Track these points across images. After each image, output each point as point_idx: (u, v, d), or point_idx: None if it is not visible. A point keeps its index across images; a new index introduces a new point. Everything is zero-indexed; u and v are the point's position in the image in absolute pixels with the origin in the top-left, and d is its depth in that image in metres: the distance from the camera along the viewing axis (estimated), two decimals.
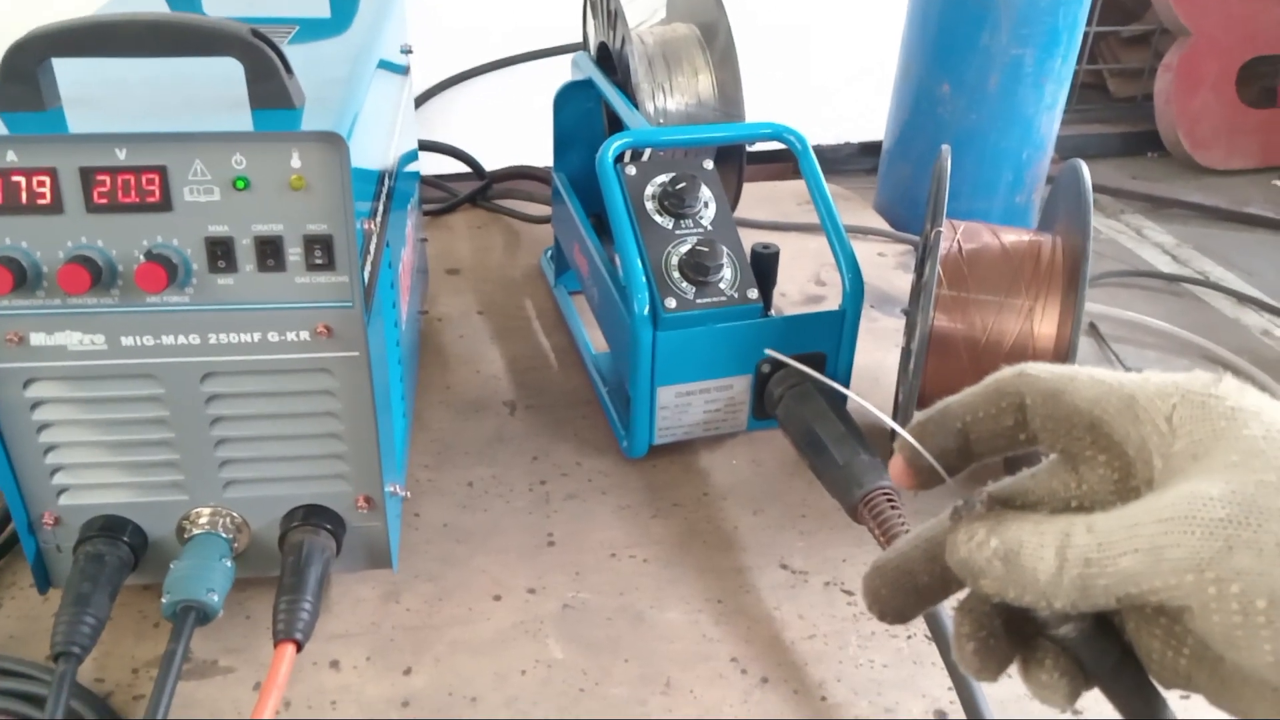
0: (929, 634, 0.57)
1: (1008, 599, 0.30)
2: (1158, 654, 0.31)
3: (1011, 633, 0.33)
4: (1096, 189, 1.32)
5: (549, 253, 0.98)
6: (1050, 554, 0.29)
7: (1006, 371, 0.34)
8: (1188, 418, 0.30)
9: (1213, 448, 0.29)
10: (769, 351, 0.66)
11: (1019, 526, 0.30)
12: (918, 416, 0.35)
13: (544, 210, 1.08)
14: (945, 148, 0.67)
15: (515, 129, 1.17)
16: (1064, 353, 0.62)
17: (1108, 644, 0.32)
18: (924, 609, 0.36)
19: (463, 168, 1.17)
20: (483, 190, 1.13)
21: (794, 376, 0.67)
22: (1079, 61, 1.18)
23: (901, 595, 0.35)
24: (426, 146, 1.14)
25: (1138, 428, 0.30)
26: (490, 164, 1.17)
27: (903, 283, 0.97)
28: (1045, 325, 0.62)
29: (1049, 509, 0.33)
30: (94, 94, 0.49)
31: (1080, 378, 0.32)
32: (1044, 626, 0.32)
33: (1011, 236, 0.66)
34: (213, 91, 0.49)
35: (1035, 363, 0.33)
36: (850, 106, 1.33)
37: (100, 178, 0.45)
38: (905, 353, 0.69)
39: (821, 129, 1.34)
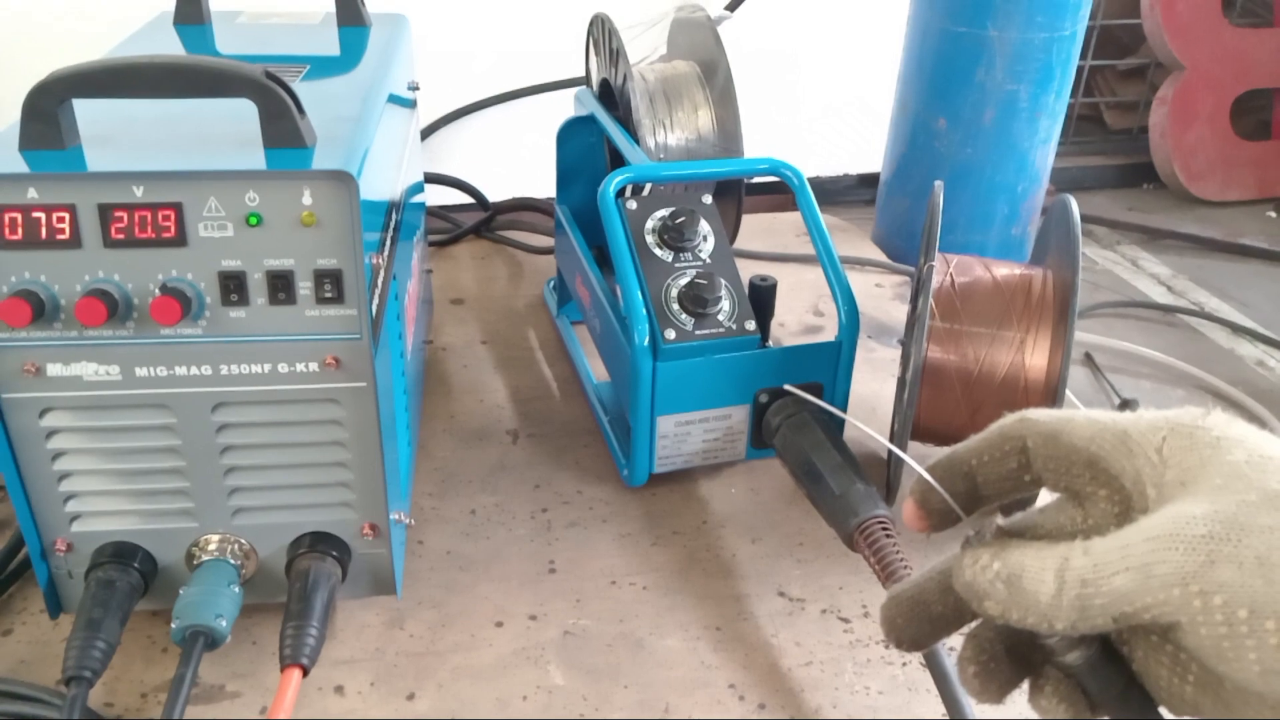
0: (923, 661, 0.58)
1: (1011, 621, 0.31)
2: (1165, 681, 0.32)
3: (1021, 660, 0.35)
4: (1093, 220, 1.34)
5: (551, 284, 0.99)
6: (1050, 576, 0.30)
7: (1009, 418, 0.36)
8: (1177, 448, 0.31)
9: (1199, 474, 0.30)
10: (788, 387, 0.68)
11: (1021, 552, 0.32)
12: (929, 463, 0.37)
13: (547, 241, 1.09)
14: (938, 184, 0.68)
15: (519, 161, 1.19)
16: (1055, 384, 0.63)
17: (1113, 672, 0.33)
18: (939, 638, 0.37)
19: (467, 199, 1.19)
20: (487, 221, 1.15)
21: (791, 406, 0.68)
22: (1075, 95, 1.20)
23: (916, 624, 0.37)
24: (432, 179, 1.16)
25: (1132, 461, 0.32)
26: (494, 196, 1.19)
27: (899, 313, 0.99)
28: (1036, 357, 0.63)
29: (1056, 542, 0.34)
30: (112, 132, 0.51)
31: (1077, 419, 0.34)
32: (1051, 654, 0.33)
33: (1003, 270, 0.67)
34: (227, 130, 0.51)
35: (1035, 409, 0.35)
36: (848, 139, 1.35)
37: (118, 214, 0.47)
38: (901, 383, 0.71)
39: (819, 160, 1.35)
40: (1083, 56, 1.07)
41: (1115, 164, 1.50)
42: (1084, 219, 0.93)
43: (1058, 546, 0.31)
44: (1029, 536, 0.35)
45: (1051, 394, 0.63)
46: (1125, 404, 0.89)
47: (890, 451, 0.72)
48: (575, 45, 0.94)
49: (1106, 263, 1.25)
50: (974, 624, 0.36)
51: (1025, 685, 0.35)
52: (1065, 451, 0.34)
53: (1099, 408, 0.90)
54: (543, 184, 1.13)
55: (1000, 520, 0.36)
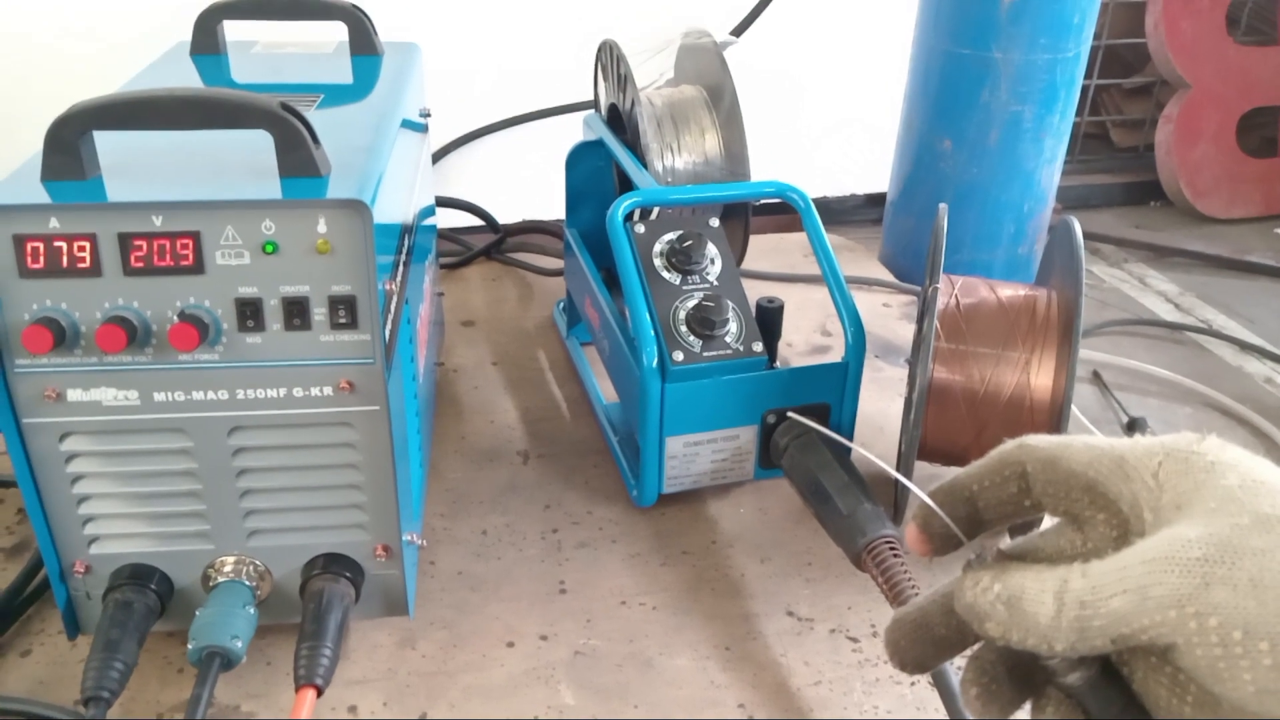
0: (931, 681, 0.58)
1: (1011, 643, 0.32)
2: (1164, 701, 0.32)
3: (1022, 681, 0.35)
4: (1099, 238, 1.34)
5: (561, 305, 1.00)
6: (1049, 598, 0.31)
7: (1009, 444, 0.36)
8: (1172, 473, 0.32)
9: (1194, 497, 0.31)
10: (791, 414, 0.69)
11: (1021, 574, 0.32)
12: (931, 488, 0.37)
13: (556, 263, 1.11)
14: (943, 207, 0.69)
15: (528, 184, 1.21)
16: (1060, 403, 0.63)
17: (1113, 692, 0.33)
18: (942, 660, 0.38)
19: (478, 222, 1.20)
20: (497, 244, 1.16)
21: (799, 427, 0.69)
22: (1080, 113, 1.20)
23: (920, 647, 0.37)
24: (443, 202, 1.17)
25: (1129, 485, 0.33)
26: (504, 218, 1.20)
27: (906, 333, 0.99)
28: (1041, 377, 0.64)
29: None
30: (131, 163, 0.52)
31: (1075, 444, 0.35)
32: (1053, 675, 0.34)
33: (1008, 291, 0.68)
34: (243, 160, 0.52)
35: (1034, 435, 0.36)
36: (854, 159, 1.36)
37: (137, 243, 0.48)
38: (907, 403, 0.71)
39: (826, 181, 1.36)
40: (1088, 75, 1.08)
41: (1122, 182, 1.51)
42: (1090, 237, 0.93)
43: (1057, 569, 0.32)
44: (1029, 559, 0.35)
45: (1057, 414, 0.64)
46: (1133, 422, 0.90)
47: (897, 471, 0.73)
48: (582, 68, 0.95)
49: (1114, 280, 1.25)
50: (976, 646, 0.36)
51: (1027, 706, 0.36)
52: (1064, 476, 0.34)
53: (1106, 426, 0.91)
54: (552, 206, 1.14)
55: (1001, 544, 0.36)
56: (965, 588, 0.34)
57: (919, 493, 0.37)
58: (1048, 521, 0.37)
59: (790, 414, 0.69)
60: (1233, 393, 0.97)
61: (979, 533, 0.37)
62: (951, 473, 0.38)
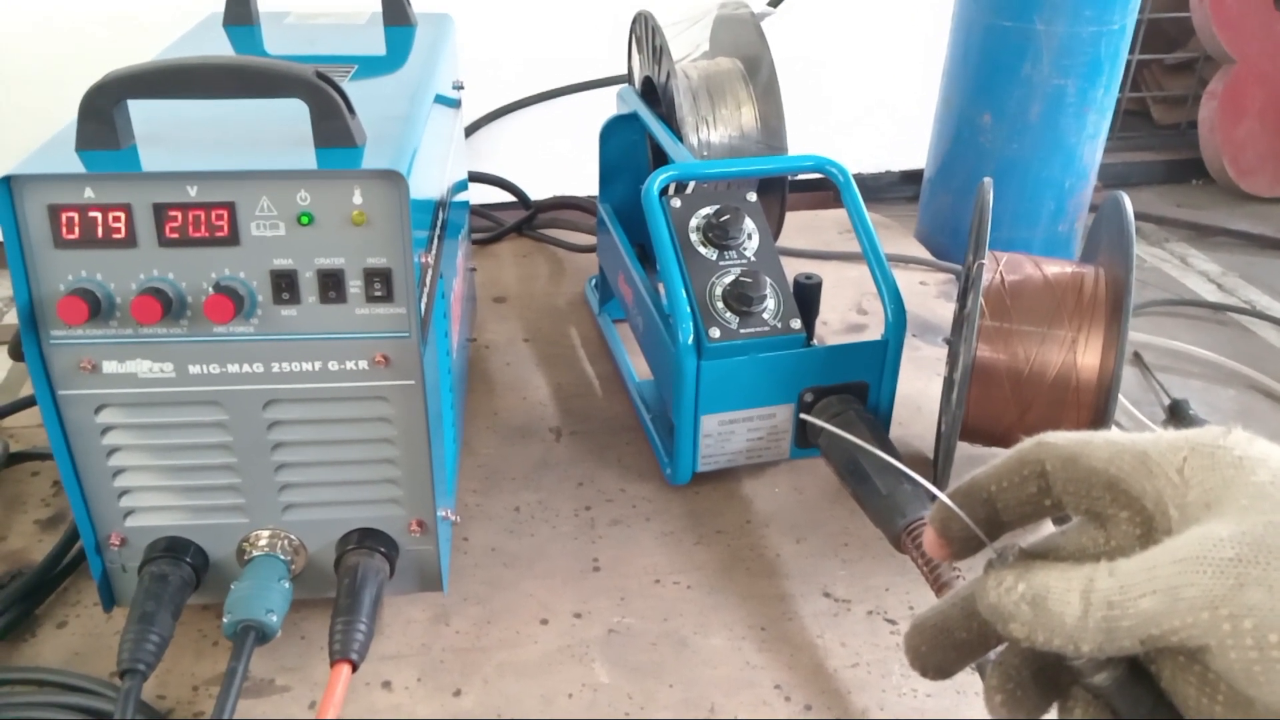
0: (974, 665, 0.57)
1: (1036, 644, 0.31)
2: (1193, 700, 0.31)
3: (1048, 684, 0.34)
4: (1141, 217, 1.31)
5: (593, 281, 0.99)
6: (1075, 598, 0.30)
7: (1027, 442, 0.35)
8: (1198, 468, 0.31)
9: (1223, 494, 0.30)
10: (805, 417, 0.68)
11: (1046, 573, 0.32)
12: (949, 490, 0.36)
13: (588, 239, 1.10)
14: (987, 181, 0.67)
15: (560, 160, 1.20)
16: (1107, 384, 0.62)
17: (1141, 692, 0.32)
18: (964, 665, 0.37)
19: (509, 197, 1.19)
20: (529, 220, 1.15)
21: (836, 406, 0.68)
22: (1122, 89, 1.17)
23: (941, 652, 0.36)
24: (475, 177, 1.16)
25: (1152, 482, 0.32)
26: (536, 194, 1.19)
27: (944, 311, 0.98)
28: (1088, 356, 0.62)
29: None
30: (165, 133, 0.51)
31: (1095, 440, 0.34)
32: (1079, 676, 0.33)
33: (1054, 268, 0.66)
34: (278, 130, 0.51)
35: (1053, 432, 0.35)
36: (889, 135, 1.33)
37: (172, 213, 0.47)
38: (948, 382, 0.70)
39: (861, 157, 1.34)
40: (1130, 50, 1.05)
41: (1163, 159, 1.48)
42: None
43: (1082, 568, 0.31)
44: (1051, 558, 0.34)
45: (1104, 394, 0.62)
46: (1175, 404, 0.88)
47: (936, 452, 0.72)
48: (613, 49, 0.94)
49: (1155, 260, 1.23)
50: (999, 649, 0.35)
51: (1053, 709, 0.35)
52: (1084, 474, 0.33)
53: (1148, 408, 0.89)
54: (584, 182, 1.13)
55: (1023, 542, 0.35)
56: (988, 588, 0.33)
57: (938, 493, 0.36)
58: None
59: (803, 416, 0.68)
60: (1277, 374, 0.95)
61: (999, 534, 0.36)
62: (994, 454, 0.37)
